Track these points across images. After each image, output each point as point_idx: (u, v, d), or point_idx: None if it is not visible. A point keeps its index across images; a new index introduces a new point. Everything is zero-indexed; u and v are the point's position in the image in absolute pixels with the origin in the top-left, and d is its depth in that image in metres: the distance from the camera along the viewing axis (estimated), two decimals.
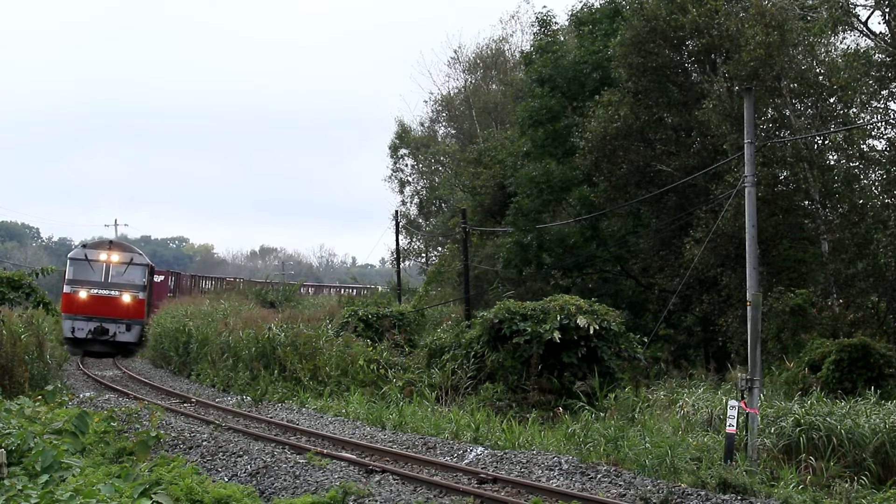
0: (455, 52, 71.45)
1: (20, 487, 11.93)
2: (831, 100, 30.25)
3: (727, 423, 16.88)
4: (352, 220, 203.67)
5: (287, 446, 18.81)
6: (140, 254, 47.67)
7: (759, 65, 28.45)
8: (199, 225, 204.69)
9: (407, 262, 67.08)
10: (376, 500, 14.12)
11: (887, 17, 28.04)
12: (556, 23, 44.49)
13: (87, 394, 27.43)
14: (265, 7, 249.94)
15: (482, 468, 16.71)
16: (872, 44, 28.82)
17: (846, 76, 27.84)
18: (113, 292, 45.13)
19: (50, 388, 22.68)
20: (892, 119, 28.64)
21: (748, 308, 18.68)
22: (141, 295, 45.76)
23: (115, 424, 18.47)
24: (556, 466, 16.59)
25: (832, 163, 30.65)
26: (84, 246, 47.34)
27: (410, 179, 67.48)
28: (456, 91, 65.70)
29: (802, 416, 17.81)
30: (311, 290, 75.26)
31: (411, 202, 66.86)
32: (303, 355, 29.47)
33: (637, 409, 21.50)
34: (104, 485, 12.51)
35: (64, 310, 44.07)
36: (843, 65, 28.61)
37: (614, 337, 25.53)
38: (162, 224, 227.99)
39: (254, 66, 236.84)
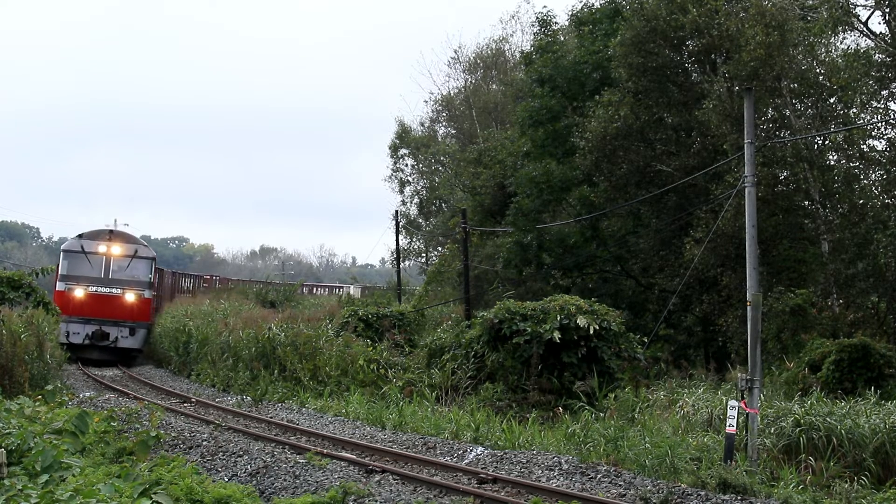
0: (455, 52, 71.63)
1: (20, 487, 11.92)
2: (831, 100, 30.26)
3: (727, 423, 16.87)
4: (352, 220, 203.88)
5: (287, 446, 18.80)
6: (145, 245, 41.97)
7: (759, 65, 28.45)
8: (199, 225, 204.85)
9: (407, 262, 67.12)
10: (376, 500, 14.12)
11: (887, 17, 28.04)
12: (556, 23, 44.54)
13: (87, 394, 27.44)
14: (265, 7, 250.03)
15: (482, 468, 16.71)
16: (872, 44, 28.82)
17: (846, 76, 27.84)
18: (114, 290, 39.82)
19: (50, 388, 22.68)
20: (892, 119, 28.63)
21: (748, 308, 18.68)
22: (146, 293, 40.60)
23: (115, 424, 18.46)
24: (556, 466, 16.58)
25: (832, 163, 30.65)
26: (80, 236, 40.77)
27: (410, 179, 67.53)
28: (456, 91, 65.75)
29: (802, 416, 17.80)
30: (306, 290, 75.21)
31: (411, 202, 66.92)
32: (303, 355, 29.48)
33: (637, 409, 21.50)
34: (104, 485, 12.51)
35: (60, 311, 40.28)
36: (843, 65, 28.61)
37: (614, 337, 25.54)
38: (162, 224, 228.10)
39: (254, 66, 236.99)
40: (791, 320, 27.11)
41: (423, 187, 66.53)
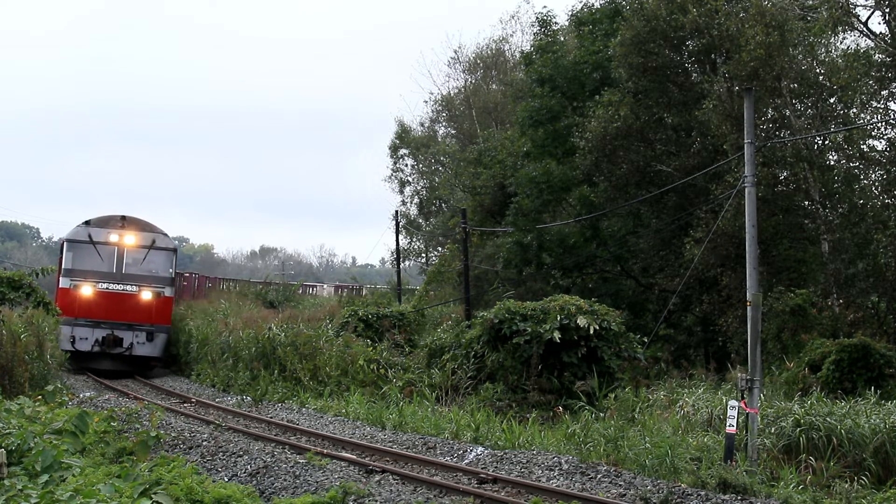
0: (455, 52, 71.53)
1: (20, 487, 11.93)
2: (831, 100, 30.28)
3: (727, 423, 16.88)
4: (352, 220, 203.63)
5: (287, 446, 18.81)
6: (164, 234, 35.68)
7: (759, 65, 28.46)
8: (199, 225, 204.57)
9: (407, 262, 67.10)
10: (376, 500, 14.12)
11: (887, 17, 28.06)
12: (556, 23, 44.52)
13: (87, 394, 27.44)
14: (265, 7, 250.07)
15: (482, 468, 16.71)
16: (872, 44, 28.84)
17: (846, 76, 27.85)
18: (129, 287, 34.08)
19: (50, 388, 22.67)
20: (892, 119, 28.65)
21: (748, 308, 18.69)
22: (167, 291, 34.83)
23: (115, 424, 18.46)
24: (556, 466, 16.58)
25: (832, 163, 30.67)
26: (87, 223, 34.76)
27: (410, 179, 67.52)
28: (456, 91, 65.73)
29: (802, 416, 17.82)
30: (305, 290, 75.12)
31: (411, 202, 66.92)
32: (303, 355, 29.48)
33: (637, 409, 21.50)
34: (104, 485, 12.51)
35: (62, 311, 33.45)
36: (843, 65, 28.62)
37: (614, 337, 25.54)
38: (162, 224, 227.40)
39: (253, 67, 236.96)
40: (791, 320, 27.12)
41: (423, 187, 66.54)
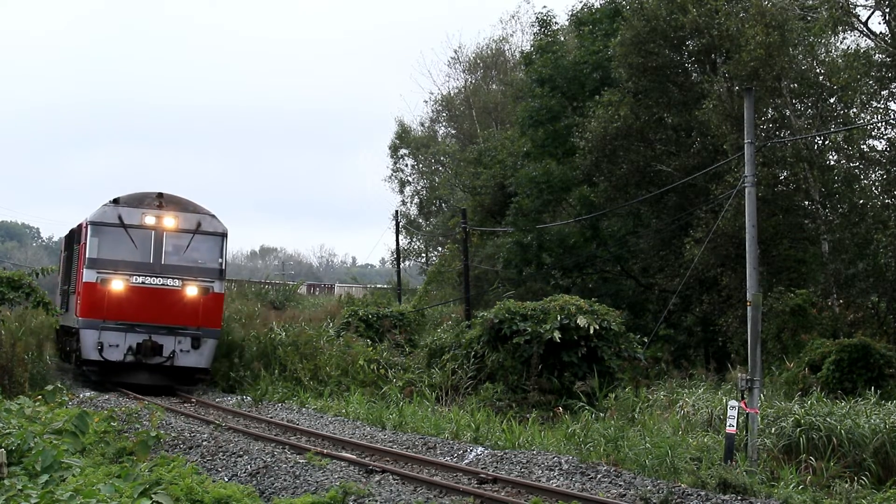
0: (455, 52, 71.50)
1: (20, 487, 11.93)
2: (831, 100, 30.31)
3: (727, 423, 16.89)
4: (352, 220, 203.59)
5: (287, 446, 18.81)
6: (211, 215, 29.16)
7: (759, 65, 28.47)
8: None
9: (407, 262, 67.11)
10: (376, 500, 14.12)
11: (887, 17, 28.08)
12: (556, 23, 44.54)
13: (87, 394, 27.43)
14: (265, 7, 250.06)
15: (482, 468, 16.72)
16: (872, 44, 28.85)
17: (846, 76, 27.87)
18: (170, 282, 27.87)
19: (50, 388, 22.69)
20: (892, 119, 28.67)
21: (748, 308, 18.70)
22: (216, 286, 28.41)
23: (115, 424, 18.47)
24: (556, 466, 16.59)
25: (832, 163, 30.70)
26: (116, 202, 28.26)
27: (410, 179, 67.54)
28: (456, 91, 65.74)
29: (802, 416, 17.83)
30: (310, 290, 75.19)
31: (411, 202, 66.94)
32: (303, 355, 29.48)
33: (637, 409, 21.51)
34: (104, 485, 12.52)
35: (84, 312, 27.53)
36: (843, 65, 28.64)
37: (614, 337, 25.54)
38: None
39: (254, 67, 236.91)
40: (791, 320, 27.13)
41: (423, 187, 66.56)
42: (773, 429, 17.91)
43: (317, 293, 76.45)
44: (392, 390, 25.78)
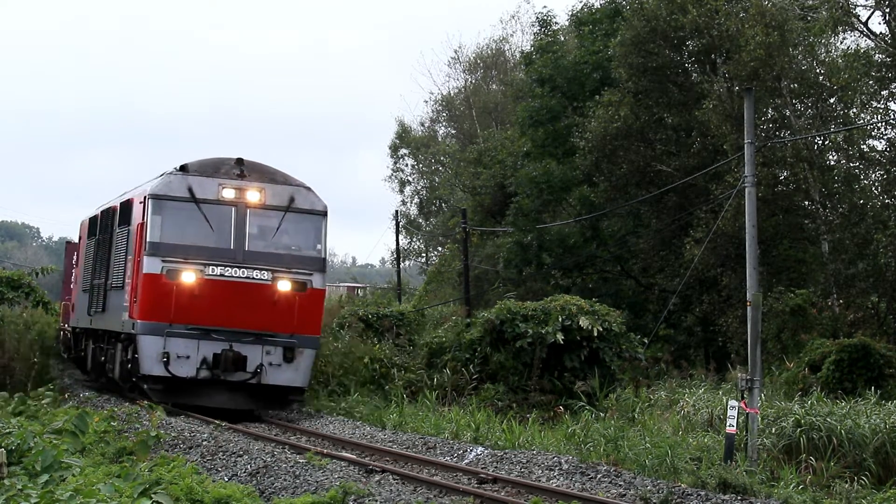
0: (455, 52, 71.47)
1: (20, 487, 11.93)
2: (831, 100, 30.33)
3: (727, 423, 16.88)
4: (352, 220, 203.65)
5: (287, 446, 18.81)
6: (308, 188, 22.60)
7: (759, 65, 28.49)
8: None
9: (407, 262, 67.11)
10: (376, 500, 14.12)
11: (887, 17, 28.11)
12: (556, 23, 44.57)
13: (87, 394, 27.42)
14: (266, 7, 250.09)
15: (482, 468, 16.71)
16: (872, 44, 28.88)
17: (846, 76, 27.90)
18: (257, 274, 21.57)
19: (50, 388, 22.67)
20: (892, 119, 28.69)
21: (748, 308, 18.71)
22: (316, 280, 22.15)
23: (115, 424, 18.46)
24: (556, 466, 16.58)
25: (832, 163, 30.73)
26: (183, 170, 21.85)
27: (410, 179, 67.54)
28: (456, 91, 65.74)
29: (803, 416, 17.83)
30: None
31: (411, 202, 66.94)
32: None
33: (637, 409, 21.51)
34: (104, 484, 12.51)
35: (143, 312, 21.25)
36: (843, 65, 28.67)
37: (615, 337, 25.54)
38: None
39: (254, 67, 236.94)
40: (791, 320, 27.15)
41: (423, 187, 66.58)
42: (774, 429, 17.91)
43: None
44: (395, 389, 25.72)
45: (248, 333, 21.46)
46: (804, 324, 27.03)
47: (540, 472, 16.39)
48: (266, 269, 21.61)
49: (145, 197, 21.82)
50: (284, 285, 21.67)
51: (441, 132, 68.01)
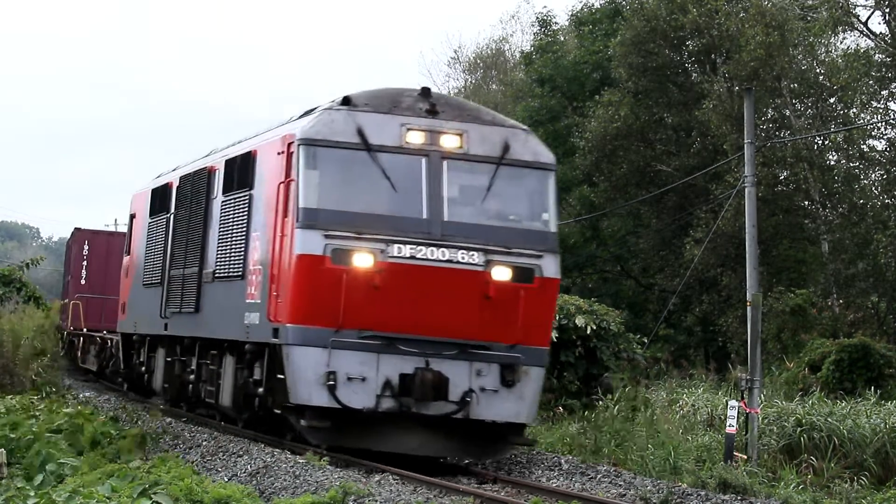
0: (455, 52, 71.45)
1: (19, 487, 11.92)
2: (831, 100, 30.33)
3: (727, 423, 16.86)
4: None
5: (287, 446, 18.76)
6: (526, 130, 15.60)
7: (759, 65, 28.48)
8: None
9: None
10: (376, 500, 14.09)
11: (887, 17, 28.12)
12: (556, 23, 44.52)
13: (87, 394, 27.40)
14: (266, 7, 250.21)
15: (482, 468, 16.69)
16: (872, 44, 28.89)
17: (846, 76, 27.90)
18: (462, 256, 14.21)
19: (50, 387, 22.65)
20: (892, 119, 28.70)
21: (748, 308, 18.71)
22: (548, 267, 15.08)
23: (114, 424, 18.44)
24: (556, 466, 16.57)
25: (832, 163, 30.73)
26: (348, 103, 14.37)
27: None
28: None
29: (803, 416, 17.81)
30: None
31: None
32: None
33: (637, 410, 21.48)
34: (103, 485, 12.50)
35: (295, 313, 14.17)
36: (843, 65, 28.67)
37: (613, 337, 25.51)
38: None
39: (254, 67, 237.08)
40: (791, 320, 27.14)
41: None
42: (774, 429, 17.89)
43: None
44: None
45: (449, 344, 14.51)
46: (804, 324, 27.02)
47: (540, 472, 16.38)
48: (476, 250, 14.40)
49: (290, 143, 14.68)
50: (502, 273, 14.57)
51: None
